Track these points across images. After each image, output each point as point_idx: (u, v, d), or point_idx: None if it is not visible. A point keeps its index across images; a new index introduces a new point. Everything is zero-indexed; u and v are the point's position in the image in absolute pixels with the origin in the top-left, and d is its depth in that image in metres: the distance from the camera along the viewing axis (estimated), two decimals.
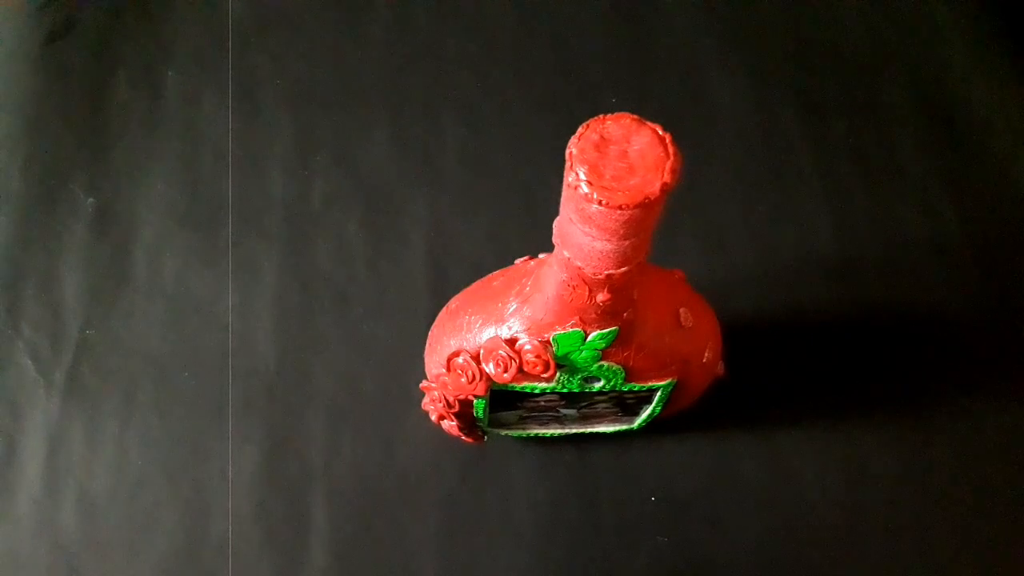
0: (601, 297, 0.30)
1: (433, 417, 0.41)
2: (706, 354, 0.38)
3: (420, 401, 0.42)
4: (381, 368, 0.49)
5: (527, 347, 0.34)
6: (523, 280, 0.34)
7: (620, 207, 0.25)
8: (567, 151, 0.25)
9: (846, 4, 0.61)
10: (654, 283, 0.34)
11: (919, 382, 0.49)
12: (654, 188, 0.25)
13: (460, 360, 0.36)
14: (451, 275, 0.51)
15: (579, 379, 0.36)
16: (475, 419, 0.41)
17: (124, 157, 0.54)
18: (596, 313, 0.31)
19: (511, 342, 0.34)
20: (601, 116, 0.26)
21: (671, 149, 0.25)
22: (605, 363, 0.34)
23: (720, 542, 0.45)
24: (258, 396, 0.48)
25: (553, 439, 0.46)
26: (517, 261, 0.39)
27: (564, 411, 0.42)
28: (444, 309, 0.40)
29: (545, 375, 0.34)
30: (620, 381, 0.36)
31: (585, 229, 0.26)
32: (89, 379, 0.48)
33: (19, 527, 0.45)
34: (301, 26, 0.59)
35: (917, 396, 0.49)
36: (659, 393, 0.38)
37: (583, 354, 0.34)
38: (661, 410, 0.41)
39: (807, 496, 0.46)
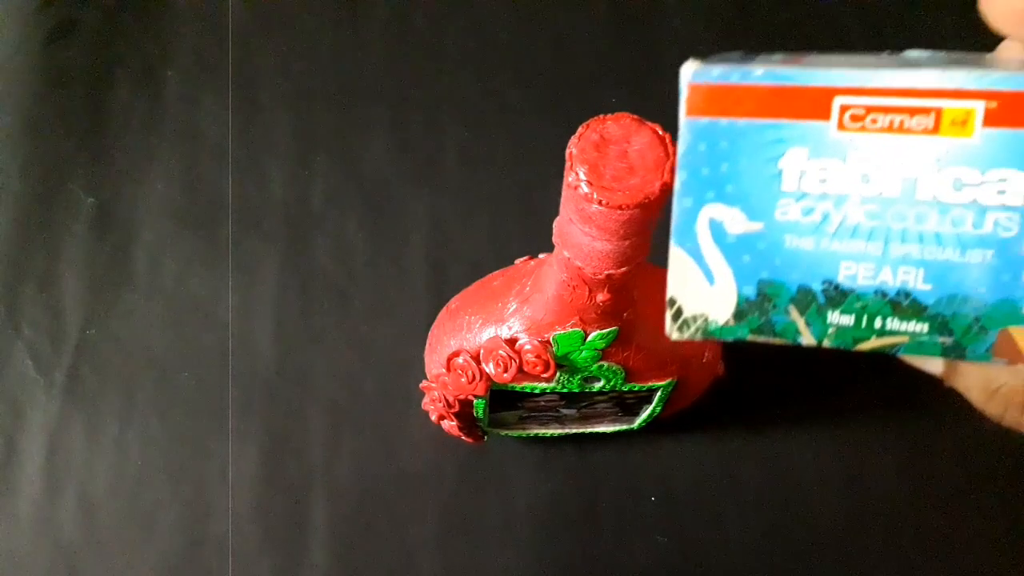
0: (601, 297, 0.30)
1: (433, 417, 0.41)
2: (706, 354, 0.38)
3: (420, 401, 0.42)
4: (381, 368, 0.49)
5: (527, 347, 0.34)
6: (523, 280, 0.34)
7: (620, 207, 0.25)
8: (567, 151, 0.25)
9: (847, 4, 0.61)
10: (654, 283, 0.34)
11: (919, 382, 0.49)
12: (654, 188, 0.25)
13: (460, 360, 0.36)
14: (451, 275, 0.51)
15: (579, 379, 0.36)
16: (475, 419, 0.41)
17: (124, 157, 0.54)
18: (596, 313, 0.31)
19: (511, 342, 0.34)
20: (601, 116, 0.26)
21: (671, 149, 0.25)
22: (605, 363, 0.34)
23: (720, 542, 0.45)
24: (258, 396, 0.48)
25: (553, 439, 0.46)
26: (517, 261, 0.39)
27: (564, 411, 0.42)
28: (444, 309, 0.40)
29: (545, 375, 0.34)
30: (620, 381, 0.36)
31: (585, 229, 0.26)
32: (89, 379, 0.48)
33: (19, 527, 0.45)
34: (301, 26, 0.59)
35: (917, 396, 0.49)
36: (659, 393, 0.38)
37: (583, 354, 0.34)
38: (661, 410, 0.41)
39: (807, 496, 0.46)
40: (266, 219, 0.53)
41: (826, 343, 0.20)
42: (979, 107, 0.18)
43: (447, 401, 0.38)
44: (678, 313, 0.21)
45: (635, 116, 0.26)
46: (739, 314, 0.20)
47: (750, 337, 0.21)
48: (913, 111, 0.18)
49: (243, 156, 0.55)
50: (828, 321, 0.20)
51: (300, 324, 0.50)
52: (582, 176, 0.25)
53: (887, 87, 0.18)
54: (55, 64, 0.57)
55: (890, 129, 0.18)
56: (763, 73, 0.19)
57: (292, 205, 0.53)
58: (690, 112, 0.19)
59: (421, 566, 0.44)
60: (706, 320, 0.21)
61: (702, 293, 0.20)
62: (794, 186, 0.19)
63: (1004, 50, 0.21)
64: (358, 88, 0.57)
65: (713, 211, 0.20)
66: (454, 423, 0.40)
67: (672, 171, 0.25)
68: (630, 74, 0.58)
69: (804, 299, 0.20)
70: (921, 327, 0.19)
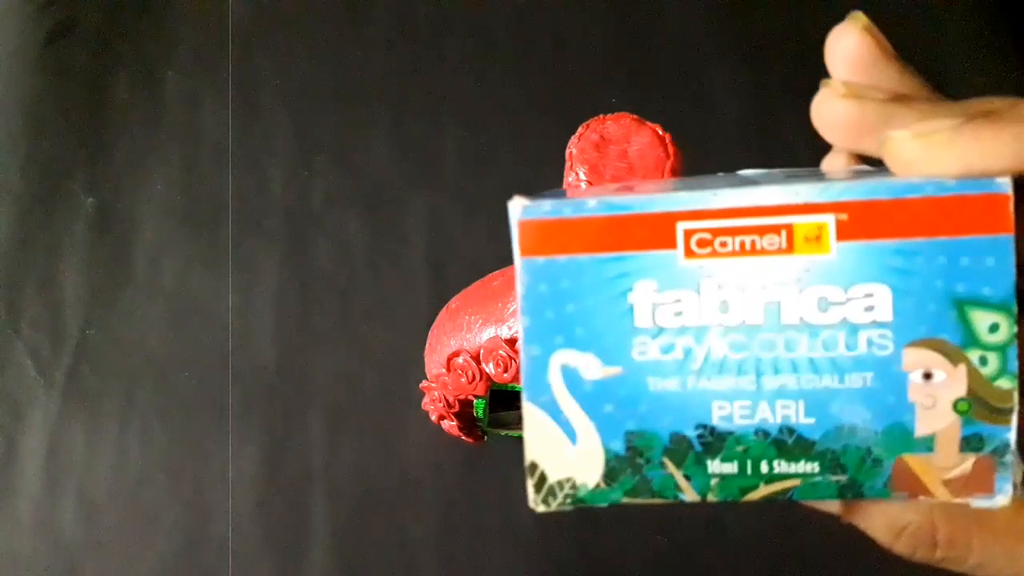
0: None
1: (433, 417, 0.41)
2: None
3: (420, 401, 0.42)
4: (381, 368, 0.49)
5: None
6: None
7: None
8: (567, 151, 0.25)
9: (846, 4, 0.61)
10: None
11: None
12: None
13: (460, 360, 0.36)
14: (451, 275, 0.51)
15: None
16: (475, 419, 0.41)
17: (124, 157, 0.54)
18: None
19: (511, 342, 0.34)
20: (601, 116, 0.26)
21: (671, 149, 0.25)
22: None
23: (720, 542, 0.45)
24: (258, 396, 0.48)
25: None
26: None
27: None
28: (444, 309, 0.40)
29: None
30: None
31: None
32: (89, 379, 0.48)
33: (19, 527, 0.45)
34: (301, 26, 0.59)
35: None
36: None
37: None
38: None
39: None
40: (266, 219, 0.53)
41: (711, 497, 0.18)
42: (830, 220, 0.17)
43: (447, 401, 0.38)
44: (541, 480, 0.18)
45: (635, 116, 0.26)
46: (610, 474, 0.18)
47: (625, 500, 0.18)
48: (763, 230, 0.17)
49: (243, 156, 0.55)
50: (710, 471, 0.18)
51: (300, 324, 0.50)
52: (582, 176, 0.25)
53: (731, 207, 0.17)
54: (55, 64, 0.57)
55: (742, 252, 0.17)
56: (597, 204, 0.17)
57: (292, 205, 0.53)
58: (525, 251, 0.18)
59: (421, 566, 0.44)
60: (574, 486, 0.18)
61: (565, 455, 0.18)
62: (648, 322, 0.17)
63: (828, 162, 0.20)
64: (358, 88, 0.57)
65: (565, 358, 0.18)
66: (454, 423, 0.40)
67: (673, 172, 0.25)
68: (630, 74, 0.58)
69: (679, 449, 0.18)
70: (811, 467, 0.18)
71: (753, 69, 0.58)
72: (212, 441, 0.47)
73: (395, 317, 0.50)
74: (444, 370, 0.37)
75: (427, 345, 0.40)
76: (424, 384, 0.40)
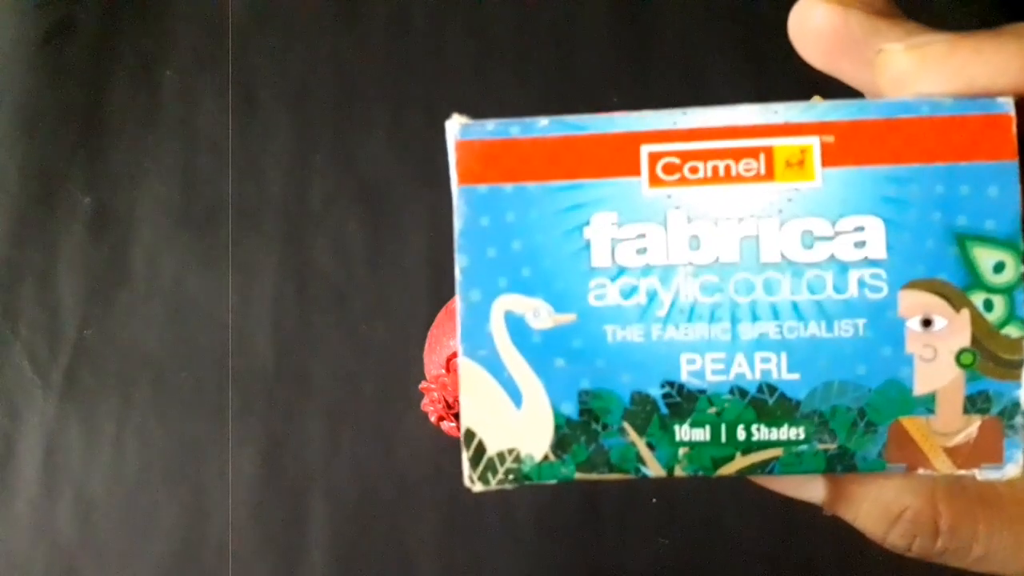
0: None
1: (433, 418, 0.41)
2: None
3: (420, 401, 0.42)
4: (381, 368, 0.49)
5: None
6: None
7: None
8: None
9: None
10: None
11: None
12: None
13: None
14: (451, 275, 0.51)
15: None
16: None
17: (122, 157, 0.54)
18: None
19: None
20: None
21: None
22: None
23: (720, 542, 0.45)
24: (257, 396, 0.48)
25: None
26: None
27: None
28: (444, 309, 0.40)
29: None
30: None
31: None
32: (87, 380, 0.48)
33: (16, 528, 0.45)
34: (301, 26, 0.59)
35: None
36: None
37: None
38: None
39: None
40: (265, 219, 0.53)
41: (679, 471, 0.16)
42: (815, 143, 0.15)
43: (447, 402, 0.38)
44: (479, 453, 0.16)
45: None
46: (560, 444, 0.16)
47: (579, 476, 0.16)
48: (739, 154, 0.15)
49: (242, 156, 0.54)
50: (677, 439, 0.15)
51: (299, 324, 0.50)
52: None
53: (703, 127, 0.15)
54: (53, 63, 0.57)
55: (715, 179, 0.15)
56: (550, 123, 0.15)
57: (291, 205, 0.53)
58: (464, 179, 0.16)
59: (421, 567, 0.44)
60: (517, 458, 0.16)
61: (508, 421, 0.16)
62: (607, 261, 0.15)
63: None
64: (358, 88, 0.57)
65: (509, 303, 0.16)
66: (454, 424, 0.40)
67: None
68: (630, 74, 0.58)
69: (642, 411, 0.15)
70: (796, 432, 0.15)
71: (756, 69, 0.58)
72: (211, 441, 0.47)
73: (395, 317, 0.50)
74: (444, 371, 0.37)
75: (427, 345, 0.40)
76: (424, 385, 0.39)
